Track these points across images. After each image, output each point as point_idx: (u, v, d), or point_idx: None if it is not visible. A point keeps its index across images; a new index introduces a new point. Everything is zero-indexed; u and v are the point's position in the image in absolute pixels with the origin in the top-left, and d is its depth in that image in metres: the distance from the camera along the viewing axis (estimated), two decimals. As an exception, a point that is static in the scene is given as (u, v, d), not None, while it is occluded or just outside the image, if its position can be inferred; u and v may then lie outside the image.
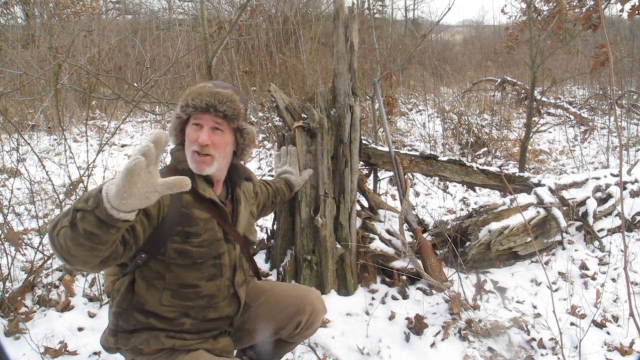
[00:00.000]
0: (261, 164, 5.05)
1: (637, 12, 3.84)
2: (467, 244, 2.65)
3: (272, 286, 1.68)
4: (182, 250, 1.31)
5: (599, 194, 3.12)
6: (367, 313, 2.25)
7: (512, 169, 4.85)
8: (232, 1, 8.53)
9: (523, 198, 2.85)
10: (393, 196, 3.92)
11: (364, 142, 2.64)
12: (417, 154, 2.84)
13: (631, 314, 1.37)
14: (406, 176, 2.71)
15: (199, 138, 1.33)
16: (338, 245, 2.35)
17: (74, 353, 1.95)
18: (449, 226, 2.67)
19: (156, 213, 1.25)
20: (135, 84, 5.44)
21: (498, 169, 3.08)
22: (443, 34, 12.69)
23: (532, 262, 2.82)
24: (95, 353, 1.96)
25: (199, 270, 1.36)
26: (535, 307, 2.39)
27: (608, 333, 2.19)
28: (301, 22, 8.07)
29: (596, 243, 3.02)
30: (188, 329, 1.38)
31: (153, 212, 1.24)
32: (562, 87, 9.07)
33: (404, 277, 2.45)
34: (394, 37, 10.62)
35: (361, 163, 2.66)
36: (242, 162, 1.57)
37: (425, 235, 2.64)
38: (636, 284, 2.61)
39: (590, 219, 3.01)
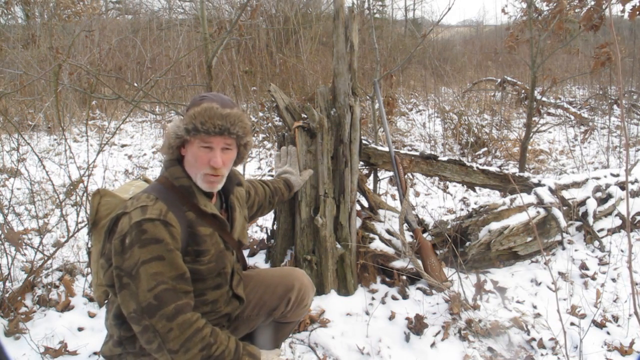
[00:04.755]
0: (261, 164, 5.05)
1: (638, 12, 3.83)
2: (467, 244, 2.65)
3: (257, 272, 1.72)
4: (192, 269, 1.32)
5: (599, 194, 3.12)
6: (367, 313, 2.25)
7: (512, 169, 4.85)
8: (232, 1, 8.53)
9: (523, 198, 2.85)
10: (393, 196, 3.92)
11: (364, 142, 2.64)
12: (417, 154, 2.84)
13: (635, 312, 1.36)
14: (406, 176, 2.71)
15: (212, 161, 1.31)
16: (338, 245, 2.35)
17: (74, 353, 1.95)
18: (449, 226, 2.67)
19: (180, 245, 1.28)
20: (136, 84, 5.44)
21: (498, 169, 3.08)
22: (444, 33, 12.68)
23: (532, 262, 2.82)
24: (95, 353, 1.96)
25: (205, 282, 1.38)
26: (535, 307, 2.39)
27: (608, 333, 2.19)
28: (301, 22, 8.06)
29: (596, 243, 3.02)
30: None
31: (180, 247, 1.28)
32: (562, 87, 9.07)
33: (404, 277, 2.45)
34: (394, 37, 10.62)
35: (361, 163, 2.66)
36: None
37: (425, 235, 2.64)
38: (636, 284, 2.60)
39: (590, 219, 3.01)
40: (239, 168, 3.82)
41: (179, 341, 1.20)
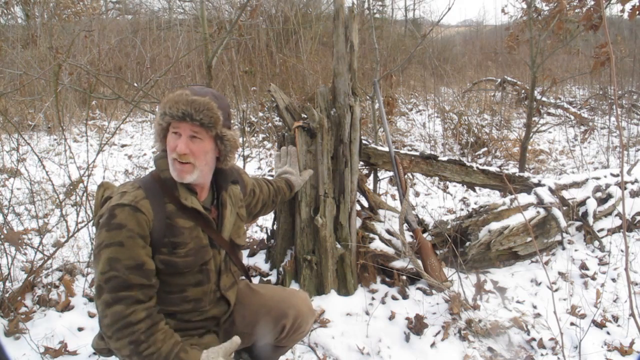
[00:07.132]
0: (261, 164, 5.05)
1: (637, 12, 3.83)
2: (467, 244, 2.64)
3: (261, 289, 1.68)
4: (169, 262, 1.33)
5: (599, 194, 3.12)
6: (367, 313, 2.25)
7: (512, 169, 4.85)
8: (232, 1, 8.53)
9: (523, 198, 2.85)
10: (393, 196, 3.92)
11: (364, 142, 2.64)
12: (417, 154, 2.84)
13: (632, 314, 1.37)
14: (406, 176, 2.71)
15: (177, 147, 1.33)
16: (338, 245, 2.35)
17: (74, 353, 1.95)
18: (449, 226, 2.67)
19: (148, 233, 1.29)
20: (135, 84, 5.44)
21: (498, 169, 3.08)
22: (444, 33, 12.67)
23: (532, 262, 2.82)
24: (95, 353, 1.96)
25: (184, 277, 1.37)
26: (535, 307, 2.39)
27: (608, 333, 2.19)
28: (301, 22, 8.06)
29: (596, 243, 3.02)
30: (172, 328, 1.37)
31: (147, 235, 1.29)
32: (562, 87, 9.06)
33: (404, 277, 2.45)
34: (394, 37, 10.61)
35: (361, 163, 2.66)
36: (232, 165, 1.54)
37: (425, 235, 2.64)
38: (636, 284, 2.61)
39: (590, 219, 3.01)
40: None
41: (111, 329, 1.24)
